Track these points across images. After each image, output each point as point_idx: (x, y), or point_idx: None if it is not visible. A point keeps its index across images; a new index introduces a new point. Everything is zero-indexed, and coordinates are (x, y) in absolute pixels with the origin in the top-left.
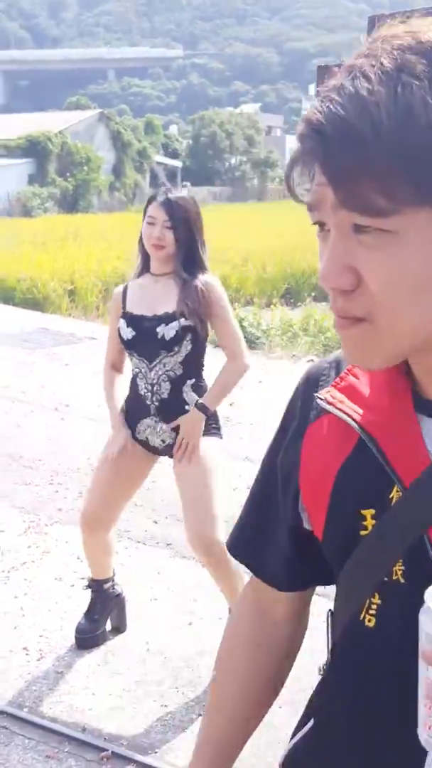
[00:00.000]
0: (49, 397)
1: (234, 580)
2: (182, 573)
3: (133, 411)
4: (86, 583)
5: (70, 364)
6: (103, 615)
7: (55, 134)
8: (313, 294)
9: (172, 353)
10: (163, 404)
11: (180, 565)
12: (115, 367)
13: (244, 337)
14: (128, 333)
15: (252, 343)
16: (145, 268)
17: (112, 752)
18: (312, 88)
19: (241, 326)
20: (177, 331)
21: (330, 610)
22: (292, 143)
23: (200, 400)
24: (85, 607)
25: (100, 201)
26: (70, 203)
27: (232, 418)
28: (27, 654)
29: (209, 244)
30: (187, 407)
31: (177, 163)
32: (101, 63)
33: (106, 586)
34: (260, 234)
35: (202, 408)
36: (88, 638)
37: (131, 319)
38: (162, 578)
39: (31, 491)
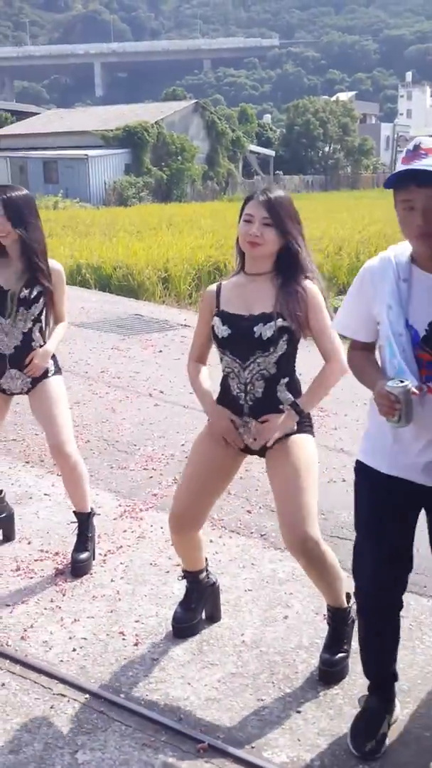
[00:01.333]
0: (143, 382)
1: (331, 577)
2: (276, 564)
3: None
4: (181, 573)
5: (163, 351)
6: (199, 604)
7: (152, 125)
8: None
9: (267, 353)
10: (257, 403)
11: (274, 556)
12: (200, 361)
13: None
14: (224, 331)
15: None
16: (241, 268)
17: (209, 744)
18: (409, 76)
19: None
20: (274, 331)
21: None
22: (387, 131)
23: (296, 401)
24: (179, 594)
25: (194, 190)
26: (165, 192)
27: (327, 409)
28: (123, 639)
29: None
30: (281, 406)
31: (270, 152)
32: (197, 54)
33: (201, 576)
34: (353, 222)
35: (296, 408)
36: (185, 627)
37: (227, 317)
38: (256, 569)
39: (126, 476)
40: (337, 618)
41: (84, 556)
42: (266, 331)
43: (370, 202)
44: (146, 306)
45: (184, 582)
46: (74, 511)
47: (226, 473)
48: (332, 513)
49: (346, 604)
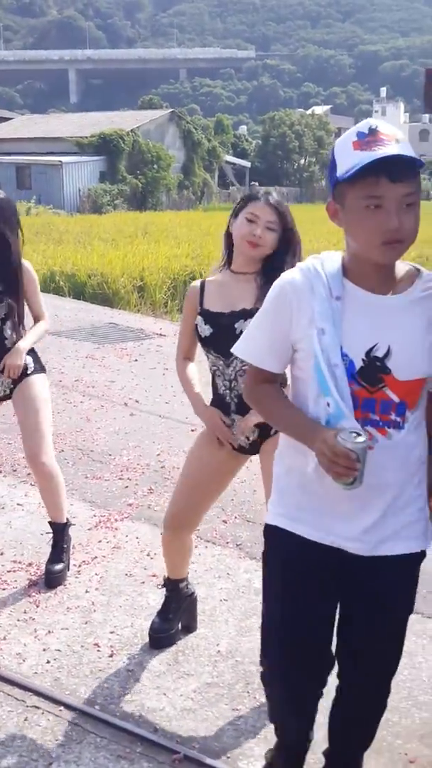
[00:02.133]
0: (119, 392)
1: None
2: (252, 574)
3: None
4: (162, 582)
5: (138, 360)
6: (177, 614)
7: (127, 133)
8: None
9: None
10: (241, 400)
11: (249, 566)
12: (187, 358)
13: None
14: (206, 330)
15: None
16: (226, 265)
17: (185, 755)
18: (383, 91)
19: None
20: None
21: None
22: None
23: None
24: (155, 605)
25: (169, 199)
26: (140, 201)
27: None
28: (98, 650)
29: None
30: None
31: (246, 163)
32: (174, 63)
33: (182, 585)
34: (328, 235)
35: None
36: (162, 637)
37: (209, 316)
38: (231, 579)
39: (101, 486)
40: None
41: (59, 567)
42: (246, 327)
43: None
44: (121, 315)
45: (163, 591)
46: (50, 522)
47: (223, 476)
48: None
49: None
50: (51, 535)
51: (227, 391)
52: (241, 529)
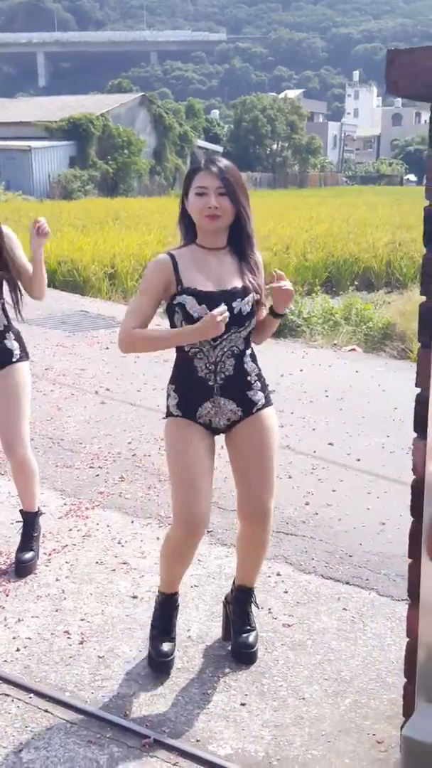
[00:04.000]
0: (89, 380)
1: (264, 555)
2: (223, 560)
3: (191, 397)
4: (158, 597)
5: (110, 348)
6: (174, 629)
7: (97, 117)
8: (355, 283)
9: (241, 329)
10: (227, 381)
11: (220, 552)
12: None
13: (286, 325)
14: (200, 311)
15: (293, 330)
16: (190, 242)
17: (154, 739)
18: (356, 75)
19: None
20: (252, 305)
21: None
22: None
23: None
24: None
25: (141, 185)
26: (111, 186)
27: (273, 405)
28: (69, 638)
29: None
30: (248, 378)
31: (218, 148)
32: (144, 46)
33: (177, 597)
34: (301, 221)
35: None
36: (172, 659)
37: (201, 296)
38: (202, 566)
39: (71, 474)
40: (248, 598)
41: (29, 555)
42: (245, 306)
43: (317, 201)
44: (92, 302)
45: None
46: (21, 510)
47: (212, 457)
48: (277, 509)
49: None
50: (21, 524)
51: (210, 374)
52: (212, 516)
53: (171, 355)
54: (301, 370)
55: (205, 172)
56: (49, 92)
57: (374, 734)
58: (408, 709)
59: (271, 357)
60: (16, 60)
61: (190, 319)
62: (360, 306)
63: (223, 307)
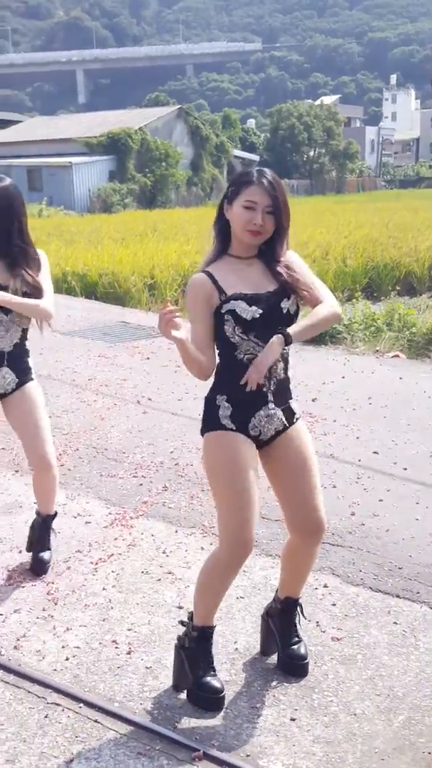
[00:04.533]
0: (131, 390)
1: (311, 568)
2: (268, 571)
3: (245, 406)
4: (194, 635)
5: (150, 358)
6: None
7: (135, 131)
8: (396, 288)
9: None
10: (278, 387)
11: (266, 563)
12: (204, 374)
13: (327, 332)
14: (253, 312)
15: (333, 337)
16: (223, 251)
17: (204, 753)
18: (393, 78)
19: None
20: (297, 304)
21: None
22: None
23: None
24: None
25: (178, 196)
26: (149, 199)
27: (316, 414)
28: (117, 647)
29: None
30: (290, 385)
31: (254, 157)
32: (180, 59)
33: (212, 632)
34: (339, 226)
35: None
36: (224, 695)
37: (250, 298)
38: (247, 576)
39: (116, 484)
40: (295, 608)
41: (47, 555)
42: (291, 306)
43: (355, 206)
44: (132, 313)
45: (197, 642)
46: (46, 515)
47: (255, 471)
48: None
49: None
50: (53, 531)
51: (265, 380)
52: (258, 526)
53: None
54: (343, 378)
55: (258, 187)
56: (88, 108)
57: (430, 752)
58: None
59: (312, 365)
60: (56, 78)
61: (243, 324)
62: (402, 311)
63: (170, 306)
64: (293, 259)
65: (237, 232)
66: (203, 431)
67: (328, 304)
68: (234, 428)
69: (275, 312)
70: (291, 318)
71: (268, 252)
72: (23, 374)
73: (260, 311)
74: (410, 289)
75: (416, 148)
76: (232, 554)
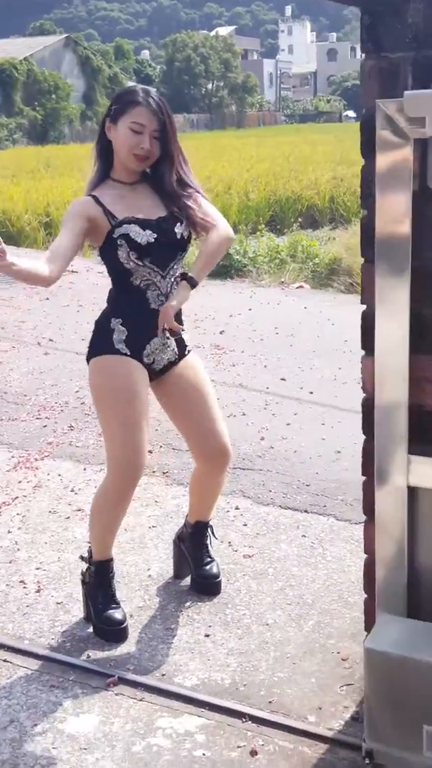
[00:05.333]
0: (31, 332)
1: (219, 492)
2: (180, 500)
3: (140, 333)
4: (92, 569)
5: (50, 298)
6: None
7: (20, 61)
8: (299, 220)
9: (182, 255)
10: (178, 313)
11: (177, 492)
12: (47, 283)
13: (232, 265)
14: (148, 236)
15: (239, 271)
16: (105, 175)
17: (119, 678)
18: (288, 10)
19: (228, 254)
20: (188, 229)
21: None
22: (269, 67)
23: (189, 273)
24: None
25: (72, 130)
26: (40, 134)
27: (224, 346)
28: (25, 587)
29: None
30: (181, 316)
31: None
32: None
33: (111, 564)
34: (241, 161)
35: (190, 281)
36: (126, 626)
37: (143, 223)
38: (159, 506)
39: (18, 427)
40: (206, 530)
41: None
42: (184, 231)
43: (256, 141)
44: (28, 253)
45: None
46: None
47: (147, 395)
48: (233, 445)
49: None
50: None
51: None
52: (168, 457)
53: None
54: (250, 310)
55: (146, 108)
56: None
57: (338, 652)
58: (370, 624)
59: (219, 298)
60: None
61: (137, 249)
62: (305, 243)
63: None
64: (195, 193)
65: (121, 156)
66: (92, 356)
67: (221, 229)
68: (128, 353)
69: (169, 236)
70: (185, 243)
71: (156, 178)
72: None
73: (155, 236)
74: (312, 221)
75: (314, 82)
76: (124, 482)
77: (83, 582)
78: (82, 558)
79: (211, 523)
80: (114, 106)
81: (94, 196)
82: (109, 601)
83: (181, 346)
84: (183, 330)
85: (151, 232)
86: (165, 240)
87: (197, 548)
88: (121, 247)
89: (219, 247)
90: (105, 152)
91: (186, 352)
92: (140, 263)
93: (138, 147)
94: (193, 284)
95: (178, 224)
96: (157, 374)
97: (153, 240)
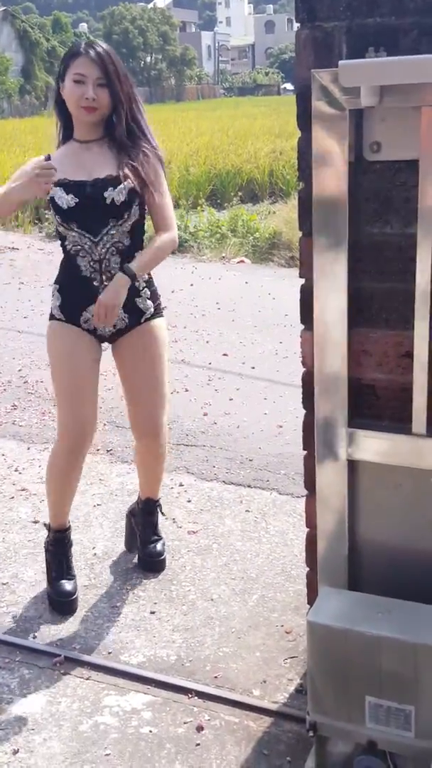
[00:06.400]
0: None
1: (162, 469)
2: (124, 477)
3: (74, 298)
4: (49, 538)
5: None
6: (72, 566)
7: None
8: (239, 195)
9: (121, 221)
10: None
11: (122, 469)
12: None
13: None
14: (69, 201)
15: (180, 246)
16: (67, 136)
17: (65, 657)
18: None
19: None
20: (126, 194)
21: None
22: (207, 40)
23: (128, 264)
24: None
25: (11, 105)
26: None
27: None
28: None
29: None
30: (136, 283)
31: None
32: None
33: (69, 533)
34: (181, 135)
35: (129, 272)
36: (76, 598)
37: (70, 186)
38: (104, 484)
39: None
40: (154, 508)
41: None
42: (117, 195)
43: (196, 114)
44: None
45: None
46: None
47: (97, 366)
48: (176, 422)
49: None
50: None
51: (96, 274)
52: (111, 434)
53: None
54: (192, 285)
55: (85, 58)
56: None
57: (282, 625)
58: (312, 597)
59: (160, 274)
60: None
61: (61, 213)
62: (246, 217)
63: (44, 161)
64: (154, 160)
65: (73, 111)
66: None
67: (168, 237)
68: (63, 319)
69: (94, 201)
70: (117, 208)
71: (110, 130)
72: None
73: (76, 200)
74: (253, 195)
75: (252, 55)
76: (70, 440)
77: (45, 550)
78: (45, 525)
79: (160, 501)
80: (61, 65)
81: (47, 157)
82: (63, 571)
83: (136, 312)
84: (124, 321)
85: (73, 196)
86: (90, 203)
87: (145, 525)
88: (51, 210)
89: (167, 250)
90: (63, 113)
91: (142, 320)
92: (66, 226)
93: (83, 98)
94: (129, 274)
95: (111, 188)
96: (111, 339)
97: (74, 204)
